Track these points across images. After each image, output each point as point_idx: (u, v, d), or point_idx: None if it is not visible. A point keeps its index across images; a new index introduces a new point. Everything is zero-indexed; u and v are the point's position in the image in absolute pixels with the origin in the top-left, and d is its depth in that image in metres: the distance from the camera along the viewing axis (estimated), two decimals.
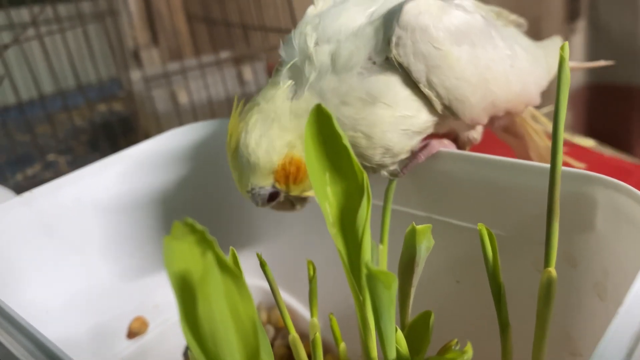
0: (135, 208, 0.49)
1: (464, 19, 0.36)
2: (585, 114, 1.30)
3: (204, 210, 0.52)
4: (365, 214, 0.22)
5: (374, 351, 0.27)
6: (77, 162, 1.11)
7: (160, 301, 0.49)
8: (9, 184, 0.99)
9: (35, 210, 0.43)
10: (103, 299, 0.47)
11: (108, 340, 0.47)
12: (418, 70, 0.34)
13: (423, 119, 0.35)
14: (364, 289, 0.21)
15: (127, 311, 0.49)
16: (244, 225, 0.53)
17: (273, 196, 0.36)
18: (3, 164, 1.11)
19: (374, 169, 0.36)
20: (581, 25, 1.28)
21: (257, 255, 0.30)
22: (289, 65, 0.36)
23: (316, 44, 0.35)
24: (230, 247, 0.27)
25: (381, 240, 0.35)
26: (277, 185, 0.35)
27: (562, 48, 0.26)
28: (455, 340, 0.27)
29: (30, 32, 0.93)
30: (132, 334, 0.48)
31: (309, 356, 0.32)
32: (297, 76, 0.36)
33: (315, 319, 0.33)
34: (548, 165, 0.28)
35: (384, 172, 0.37)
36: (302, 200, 0.38)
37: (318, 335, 0.30)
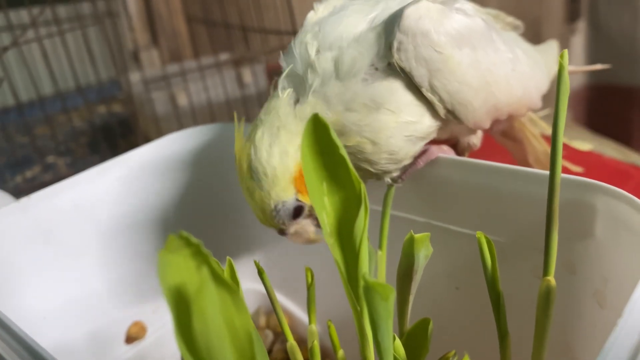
0: (134, 213, 0.49)
1: (465, 22, 0.36)
2: (586, 114, 1.30)
3: (203, 215, 0.52)
4: (362, 224, 0.21)
5: None
6: (77, 164, 1.11)
7: (158, 306, 0.49)
8: (8, 186, 0.99)
9: (33, 216, 0.43)
10: (101, 303, 0.47)
11: (106, 345, 0.47)
12: (420, 75, 0.34)
13: (426, 124, 0.35)
14: (362, 300, 0.21)
15: (126, 316, 0.48)
16: (244, 229, 0.53)
17: (298, 211, 0.35)
18: (2, 166, 1.11)
19: (377, 176, 0.36)
20: (581, 26, 1.28)
21: (255, 262, 0.30)
22: (289, 75, 0.36)
23: (317, 51, 0.35)
24: (227, 258, 0.26)
25: (380, 246, 0.35)
26: (300, 198, 0.34)
27: (561, 56, 0.26)
28: (453, 352, 0.27)
29: (30, 34, 0.93)
30: (130, 339, 0.48)
31: None
32: (299, 85, 0.35)
33: (314, 326, 0.33)
34: (547, 173, 0.27)
35: (387, 179, 0.37)
36: None
37: (316, 343, 0.30)
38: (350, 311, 0.27)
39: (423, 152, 0.37)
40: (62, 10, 1.16)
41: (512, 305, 0.30)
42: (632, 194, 0.29)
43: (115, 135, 1.00)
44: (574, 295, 0.32)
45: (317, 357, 0.30)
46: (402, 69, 0.34)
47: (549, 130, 0.49)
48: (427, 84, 0.34)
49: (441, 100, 0.35)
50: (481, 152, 0.41)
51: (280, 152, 0.34)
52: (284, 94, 0.35)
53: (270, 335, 0.50)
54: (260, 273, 0.30)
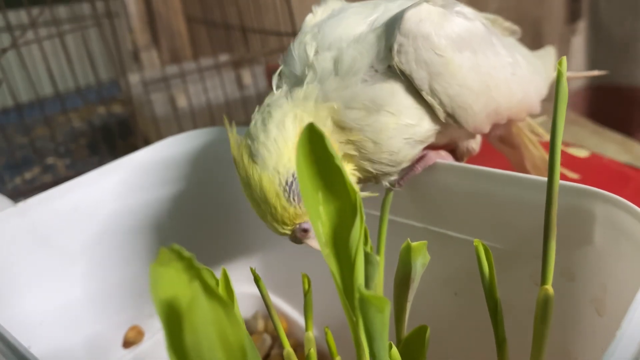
0: (132, 216, 0.48)
1: (465, 26, 0.36)
2: (586, 114, 1.30)
3: (202, 218, 0.52)
4: (358, 234, 0.21)
5: None
6: (76, 165, 1.11)
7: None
8: (7, 188, 0.99)
9: (30, 220, 0.43)
10: (99, 308, 0.47)
11: (103, 349, 0.47)
12: (420, 78, 0.34)
13: (425, 127, 0.35)
14: (357, 310, 0.21)
15: (123, 320, 0.48)
16: (243, 232, 0.53)
17: None
18: (1, 168, 1.11)
19: (376, 178, 0.36)
20: (582, 26, 1.27)
21: (251, 269, 0.30)
22: (286, 76, 0.36)
23: (316, 52, 0.35)
24: (222, 268, 0.26)
25: (377, 252, 0.35)
26: None
27: (559, 62, 0.25)
28: None
29: (29, 34, 0.93)
30: (127, 344, 0.48)
31: None
32: (296, 84, 0.35)
33: (311, 333, 0.33)
34: (546, 179, 0.27)
35: (385, 182, 0.36)
36: None
37: (313, 351, 0.30)
38: None
39: (421, 158, 0.36)
40: (62, 11, 1.16)
41: (510, 311, 0.30)
42: (632, 196, 0.29)
43: (114, 137, 0.99)
44: (573, 302, 0.32)
45: None
46: (402, 72, 0.34)
47: (547, 137, 0.49)
48: (428, 87, 0.34)
49: (441, 103, 0.34)
50: (479, 158, 0.40)
51: (276, 125, 0.33)
52: (278, 91, 0.35)
53: (268, 339, 0.49)
54: (257, 280, 0.30)
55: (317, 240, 0.33)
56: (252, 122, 0.34)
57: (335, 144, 0.34)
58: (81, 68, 1.09)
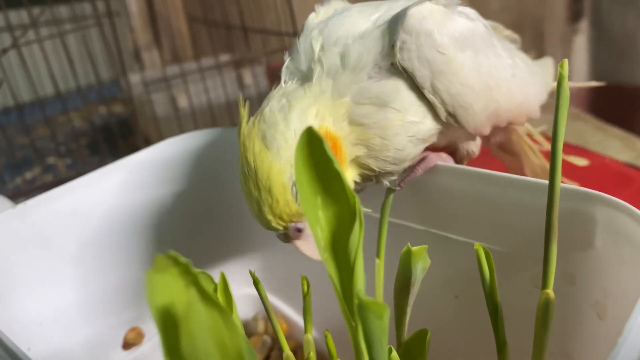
0: (132, 217, 0.48)
1: (467, 25, 0.36)
2: (589, 114, 1.30)
3: (203, 219, 0.52)
4: (357, 239, 0.21)
5: None
6: (77, 165, 1.11)
7: None
8: (8, 188, 0.99)
9: (30, 221, 0.43)
10: (98, 309, 0.46)
11: (103, 351, 0.47)
12: (422, 76, 0.34)
13: (428, 126, 0.35)
14: (356, 316, 0.20)
15: (123, 322, 0.48)
16: (243, 233, 0.52)
17: None
18: (2, 168, 1.10)
19: (377, 178, 0.36)
20: (584, 25, 1.27)
21: (250, 273, 0.30)
22: (292, 71, 0.35)
23: (322, 48, 0.35)
24: (221, 272, 0.26)
25: (378, 255, 0.35)
26: None
27: (561, 65, 0.25)
28: None
29: (30, 34, 0.93)
30: (127, 345, 0.48)
31: None
32: (303, 79, 0.35)
33: (310, 336, 0.33)
34: (546, 182, 0.27)
35: (386, 182, 0.36)
36: None
37: (312, 354, 0.30)
38: None
39: (422, 160, 0.36)
40: (63, 11, 1.15)
41: (511, 314, 0.30)
42: (634, 197, 0.29)
43: (115, 137, 0.99)
44: (574, 305, 0.32)
45: None
46: (405, 69, 0.34)
47: (547, 145, 0.49)
48: (429, 85, 0.34)
49: (443, 102, 0.34)
50: (479, 161, 0.40)
51: (299, 117, 0.32)
52: (290, 82, 0.35)
53: (268, 341, 0.49)
54: (256, 284, 0.30)
55: (314, 244, 0.34)
56: (267, 107, 0.33)
57: (348, 146, 0.34)
58: (82, 68, 1.09)
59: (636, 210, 0.28)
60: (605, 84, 0.46)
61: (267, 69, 1.06)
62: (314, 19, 0.39)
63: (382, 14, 0.36)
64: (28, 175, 1.05)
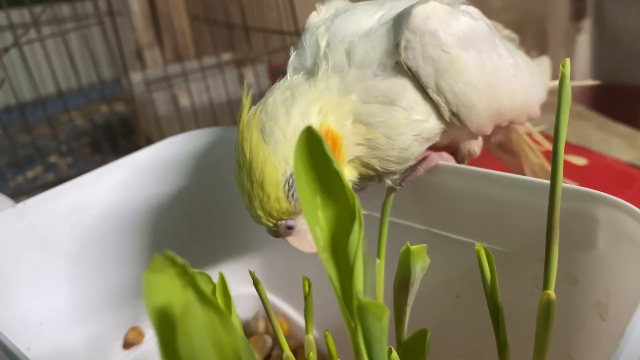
0: (133, 216, 0.48)
1: (471, 24, 0.36)
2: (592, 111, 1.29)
3: (203, 219, 0.52)
4: (357, 239, 0.21)
5: None
6: (78, 164, 1.11)
7: None
8: (10, 186, 0.99)
9: (30, 221, 0.43)
10: (99, 308, 0.46)
11: (103, 350, 0.47)
12: (427, 75, 0.34)
13: (433, 124, 0.35)
14: (356, 316, 0.20)
15: (123, 321, 0.48)
16: (244, 232, 0.52)
17: None
18: (3, 166, 1.11)
19: (379, 177, 0.36)
20: (587, 24, 1.27)
21: (250, 273, 0.30)
22: (298, 68, 0.35)
23: (328, 45, 0.35)
24: (219, 272, 0.26)
25: (378, 254, 0.35)
26: None
27: (563, 64, 0.25)
28: None
29: (32, 33, 0.93)
30: (127, 344, 0.48)
31: None
32: (309, 74, 0.35)
33: (311, 336, 0.32)
34: (548, 182, 0.27)
35: (388, 181, 0.36)
36: None
37: (312, 354, 0.30)
38: None
39: (423, 159, 0.36)
40: (64, 10, 1.15)
41: (512, 314, 0.30)
42: (636, 197, 0.29)
43: (116, 135, 0.99)
44: (575, 306, 0.32)
45: None
46: (409, 68, 0.34)
47: (547, 144, 0.49)
48: (434, 84, 0.34)
49: (447, 102, 0.34)
50: (480, 160, 0.40)
51: (301, 113, 0.32)
52: (294, 77, 0.34)
53: (269, 340, 0.49)
54: (256, 284, 0.29)
55: (307, 238, 0.34)
56: (270, 98, 0.33)
57: (349, 146, 0.33)
58: (83, 67, 1.09)
59: (638, 210, 0.28)
60: (601, 83, 0.46)
61: (269, 68, 1.06)
62: (315, 17, 0.39)
63: (386, 12, 0.36)
64: (29, 174, 1.06)
